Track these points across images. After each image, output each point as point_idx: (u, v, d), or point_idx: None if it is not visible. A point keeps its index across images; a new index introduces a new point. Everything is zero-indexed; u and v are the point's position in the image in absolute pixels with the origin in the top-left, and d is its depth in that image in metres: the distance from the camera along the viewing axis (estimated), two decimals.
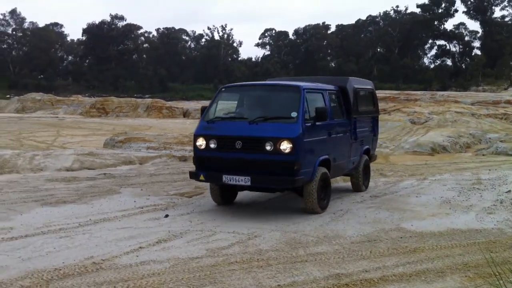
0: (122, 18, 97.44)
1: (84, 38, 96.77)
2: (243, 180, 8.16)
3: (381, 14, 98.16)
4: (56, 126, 31.12)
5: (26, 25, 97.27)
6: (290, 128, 8.11)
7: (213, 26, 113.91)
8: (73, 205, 9.04)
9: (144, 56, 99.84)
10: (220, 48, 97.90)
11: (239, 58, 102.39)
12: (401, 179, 12.39)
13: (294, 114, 8.25)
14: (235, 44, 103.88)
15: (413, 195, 10.34)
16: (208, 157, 8.56)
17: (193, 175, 8.72)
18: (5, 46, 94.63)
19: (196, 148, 8.72)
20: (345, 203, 9.53)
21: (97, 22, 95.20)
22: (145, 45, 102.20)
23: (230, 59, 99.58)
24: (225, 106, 9.47)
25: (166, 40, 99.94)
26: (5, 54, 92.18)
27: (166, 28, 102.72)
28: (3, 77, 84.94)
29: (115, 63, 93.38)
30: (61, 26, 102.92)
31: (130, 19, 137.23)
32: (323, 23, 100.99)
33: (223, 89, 9.42)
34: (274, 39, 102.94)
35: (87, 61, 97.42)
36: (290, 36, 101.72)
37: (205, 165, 8.60)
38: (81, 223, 7.75)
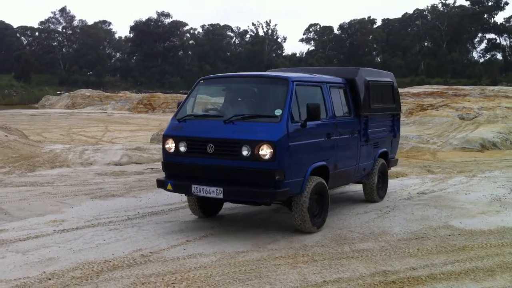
0: (168, 15, 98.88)
1: (131, 35, 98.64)
2: (214, 191, 6.75)
3: (429, 7, 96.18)
4: (105, 122, 31.88)
5: (75, 23, 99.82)
6: (272, 129, 6.63)
7: (258, 22, 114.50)
8: (121, 199, 9.26)
9: (190, 52, 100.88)
10: (264, 44, 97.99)
11: (283, 54, 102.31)
12: (449, 176, 12.12)
13: (278, 112, 6.75)
14: (279, 40, 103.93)
15: (462, 192, 10.09)
16: (177, 163, 7.19)
17: (160, 184, 7.30)
18: (55, 43, 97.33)
19: (164, 152, 7.33)
20: (391, 200, 9.40)
21: (144, 20, 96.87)
22: (191, 42, 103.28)
23: (274, 55, 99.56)
24: (207, 101, 8.64)
25: (211, 36, 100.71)
26: (56, 51, 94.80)
27: (211, 25, 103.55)
28: (54, 74, 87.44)
29: (161, 59, 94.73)
30: (109, 23, 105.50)
31: (176, 16, 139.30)
32: (369, 17, 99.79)
33: (202, 81, 7.86)
34: (319, 34, 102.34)
35: (134, 57, 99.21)
36: (335, 31, 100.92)
37: (174, 172, 7.26)
38: (129, 216, 7.93)
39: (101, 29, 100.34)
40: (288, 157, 6.63)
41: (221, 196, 6.73)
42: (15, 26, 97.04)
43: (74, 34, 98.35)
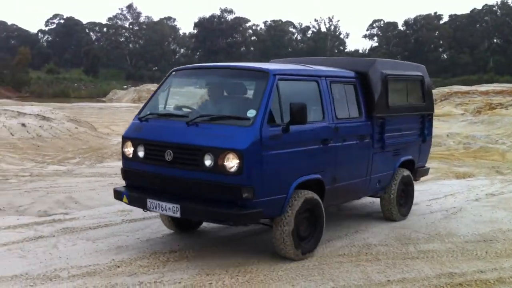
0: (231, 11, 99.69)
1: (195, 31, 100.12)
2: (171, 209, 5.54)
3: (499, 3, 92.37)
4: None
5: (142, 19, 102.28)
6: (241, 134, 5.33)
7: (320, 17, 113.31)
8: None
9: (252, 48, 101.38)
10: (326, 40, 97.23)
11: (346, 50, 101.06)
12: None
13: (250, 113, 5.45)
14: (342, 36, 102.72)
15: None
16: (134, 171, 6.09)
17: (117, 195, 6.13)
18: (122, 39, 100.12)
19: (123, 156, 6.23)
20: (458, 201, 9.13)
21: (207, 16, 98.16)
22: (253, 38, 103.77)
23: (336, 51, 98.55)
24: (184, 96, 7.68)
25: (273, 32, 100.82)
26: (123, 47, 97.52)
27: (273, 21, 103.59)
28: (121, 69, 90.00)
29: (224, 55, 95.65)
30: (174, 20, 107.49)
31: (239, 13, 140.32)
32: (435, 13, 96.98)
33: (174, 73, 6.60)
34: (383, 30, 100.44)
35: (197, 53, 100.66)
36: (400, 27, 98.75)
37: (131, 182, 6.18)
38: None
39: (166, 25, 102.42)
40: (261, 170, 5.32)
41: (178, 214, 5.52)
42: (84, 22, 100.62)
43: (141, 30, 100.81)
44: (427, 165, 8.73)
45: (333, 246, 6.42)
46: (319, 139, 6.06)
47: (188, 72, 6.80)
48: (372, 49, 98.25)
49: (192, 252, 6.04)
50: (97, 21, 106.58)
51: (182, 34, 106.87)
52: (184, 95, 7.53)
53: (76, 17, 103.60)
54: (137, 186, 6.06)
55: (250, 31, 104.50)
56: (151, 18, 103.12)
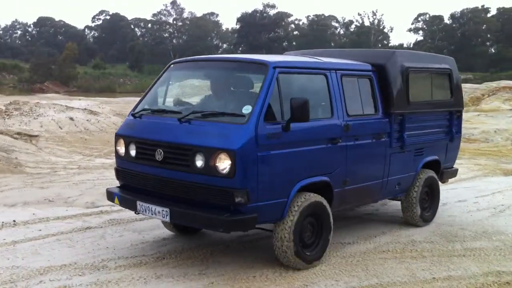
0: (273, 6, 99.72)
1: (237, 26, 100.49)
2: (160, 212, 5.16)
3: None
4: None
5: (185, 15, 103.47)
6: (234, 132, 4.88)
7: (364, 12, 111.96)
8: None
9: (294, 43, 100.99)
10: (370, 34, 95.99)
11: (390, 44, 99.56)
12: None
13: (246, 110, 4.99)
14: (386, 30, 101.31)
15: None
16: (126, 171, 5.73)
17: (109, 196, 5.81)
18: (166, 35, 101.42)
19: (116, 155, 5.90)
20: (506, 198, 8.89)
21: (250, 11, 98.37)
22: (295, 33, 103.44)
23: (380, 45, 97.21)
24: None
25: (316, 27, 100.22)
26: (167, 42, 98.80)
27: (316, 15, 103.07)
28: (165, 64, 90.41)
29: (266, 50, 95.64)
30: (217, 15, 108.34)
31: (281, 7, 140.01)
32: (482, 6, 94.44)
33: (173, 65, 6.22)
34: (428, 24, 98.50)
35: (240, 48, 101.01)
36: (446, 20, 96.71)
37: (124, 182, 5.83)
38: None
39: (209, 21, 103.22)
40: (256, 172, 4.86)
41: (167, 219, 5.17)
42: (129, 18, 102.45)
43: (184, 25, 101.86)
44: (456, 165, 8.07)
45: (377, 242, 6.37)
46: (327, 138, 5.55)
47: (187, 65, 6.36)
48: (416, 43, 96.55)
49: (236, 245, 6.09)
50: (141, 17, 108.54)
51: (224, 29, 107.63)
52: (184, 89, 7.15)
53: (122, 14, 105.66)
54: (130, 187, 5.71)
55: (293, 25, 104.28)
56: (194, 14, 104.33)
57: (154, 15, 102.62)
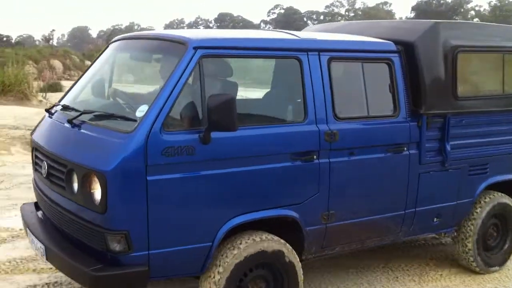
0: None
1: (412, 15, 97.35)
2: (39, 249, 3.86)
3: None
4: None
5: (357, 5, 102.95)
6: (114, 145, 3.39)
7: None
8: None
9: None
10: None
11: None
12: None
13: (140, 112, 3.49)
14: None
15: None
16: (33, 182, 4.51)
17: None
18: None
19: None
20: None
21: None
22: (475, 20, 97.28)
23: None
24: None
25: (498, 13, 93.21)
26: None
27: (499, 0, 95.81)
28: None
29: None
30: (390, 4, 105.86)
31: None
32: None
33: (114, 43, 4.55)
34: None
35: None
36: None
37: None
38: None
39: (382, 10, 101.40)
40: (144, 205, 3.34)
41: (44, 259, 3.84)
42: (302, 11, 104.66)
43: (356, 16, 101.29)
44: None
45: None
46: (290, 152, 3.85)
47: (121, 44, 4.52)
48: None
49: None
50: (314, 9, 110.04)
51: (398, 19, 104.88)
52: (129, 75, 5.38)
53: (295, 7, 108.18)
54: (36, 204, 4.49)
55: (473, 12, 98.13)
56: (367, 4, 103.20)
57: (326, 7, 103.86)
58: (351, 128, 4.15)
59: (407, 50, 4.46)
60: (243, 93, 4.48)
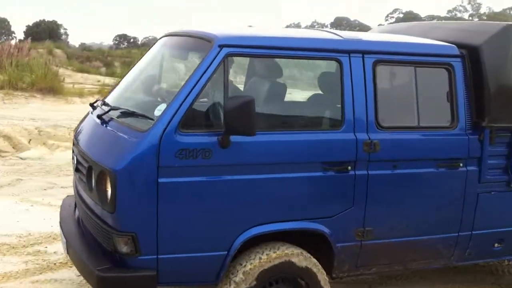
0: None
1: None
2: (64, 241, 3.97)
3: None
4: None
5: (482, 10, 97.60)
6: (128, 144, 3.35)
7: None
8: None
9: None
10: None
11: None
12: None
13: (158, 111, 3.45)
14: None
15: None
16: None
17: None
18: None
19: None
20: None
21: None
22: None
23: None
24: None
25: None
26: None
27: None
28: None
29: None
30: None
31: None
32: None
33: (164, 38, 4.43)
34: None
35: None
36: None
37: None
38: None
39: (509, 16, 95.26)
40: (154, 208, 3.26)
41: (65, 253, 3.99)
42: (422, 16, 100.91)
43: (481, 21, 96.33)
44: None
45: None
46: (323, 161, 3.62)
47: (167, 40, 4.42)
48: None
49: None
50: (435, 14, 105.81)
51: None
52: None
53: (415, 11, 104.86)
54: None
55: None
56: (492, 9, 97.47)
57: (448, 11, 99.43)
58: (395, 139, 3.83)
59: (471, 55, 4.07)
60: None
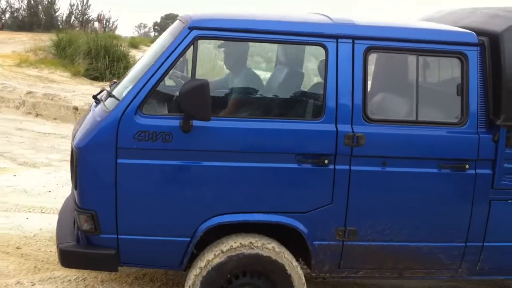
0: None
1: None
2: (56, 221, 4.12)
3: None
4: None
5: None
6: (95, 123, 3.29)
7: None
8: None
9: None
10: None
11: None
12: None
13: (125, 93, 3.31)
14: None
15: None
16: None
17: None
18: None
19: None
20: None
21: None
22: None
23: None
24: None
25: None
26: None
27: None
28: None
29: None
30: None
31: None
32: None
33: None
34: None
35: None
36: None
37: None
38: None
39: None
40: (113, 188, 3.22)
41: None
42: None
43: None
44: None
45: None
46: (298, 153, 3.33)
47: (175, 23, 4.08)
48: None
49: None
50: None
51: None
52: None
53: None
54: None
55: None
56: None
57: None
58: (385, 133, 3.40)
59: (492, 44, 3.49)
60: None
